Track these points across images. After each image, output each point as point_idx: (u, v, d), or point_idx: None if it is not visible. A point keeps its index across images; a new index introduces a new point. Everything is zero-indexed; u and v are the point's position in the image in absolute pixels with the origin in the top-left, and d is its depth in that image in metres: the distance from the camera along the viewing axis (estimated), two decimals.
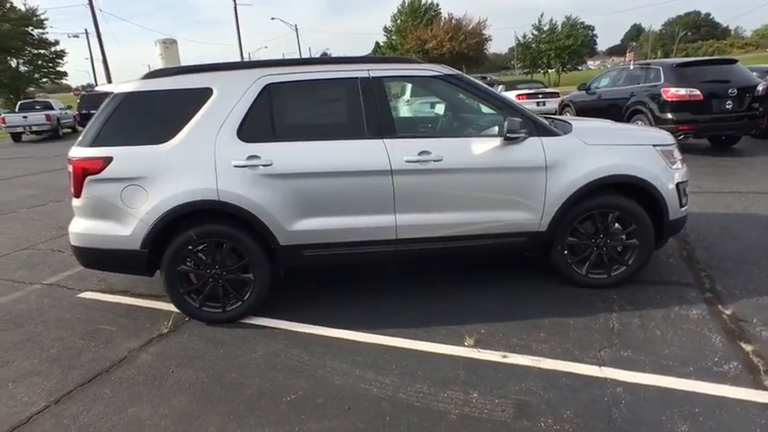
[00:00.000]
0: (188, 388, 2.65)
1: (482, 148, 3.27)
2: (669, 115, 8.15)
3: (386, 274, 4.03)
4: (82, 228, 3.26)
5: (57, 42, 39.97)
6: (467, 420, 2.30)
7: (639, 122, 8.77)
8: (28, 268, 4.61)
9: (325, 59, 3.45)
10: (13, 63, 38.62)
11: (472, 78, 3.58)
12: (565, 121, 3.81)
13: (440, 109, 5.48)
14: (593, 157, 3.33)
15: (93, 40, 30.52)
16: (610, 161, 3.33)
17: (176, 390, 2.63)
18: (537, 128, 3.34)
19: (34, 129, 19.74)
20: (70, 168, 3.18)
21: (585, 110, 10.81)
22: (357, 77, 3.26)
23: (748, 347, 2.76)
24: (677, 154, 3.59)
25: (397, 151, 3.19)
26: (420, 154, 3.19)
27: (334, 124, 3.49)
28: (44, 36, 38.81)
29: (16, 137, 20.33)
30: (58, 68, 40.84)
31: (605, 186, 3.37)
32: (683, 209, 3.58)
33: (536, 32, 54.33)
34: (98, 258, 3.31)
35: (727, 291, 3.44)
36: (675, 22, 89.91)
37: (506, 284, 3.71)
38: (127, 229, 3.15)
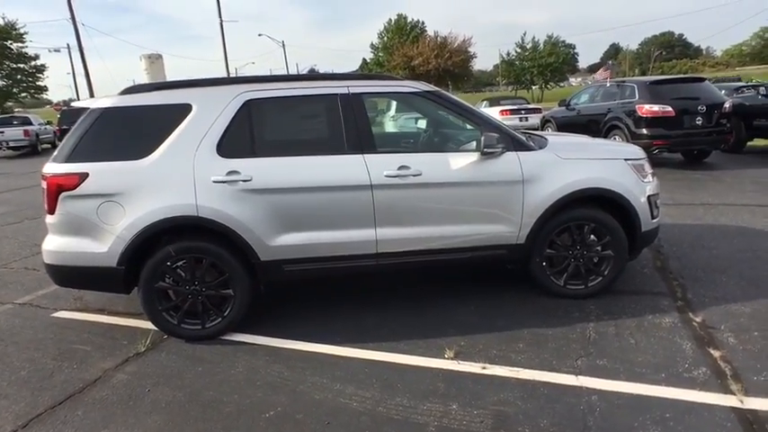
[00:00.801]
0: (164, 407, 2.60)
1: (460, 162, 3.33)
2: (644, 130, 8.41)
3: (369, 288, 4.04)
4: (56, 245, 3.21)
5: (37, 57, 39.48)
6: None
7: (616, 137, 9.03)
8: (0, 287, 4.49)
9: (305, 76, 3.50)
10: None
11: (451, 95, 3.66)
12: (541, 136, 3.92)
13: (421, 124, 5.57)
14: (567, 171, 3.42)
15: (76, 54, 30.25)
16: (583, 175, 3.43)
17: (152, 409, 2.59)
18: (513, 143, 3.42)
19: (11, 144, 19.38)
20: (44, 184, 3.14)
21: (566, 125, 11.08)
22: (337, 94, 3.32)
23: (716, 353, 2.84)
24: (648, 168, 3.71)
25: (377, 166, 3.24)
26: (399, 169, 3.25)
27: (314, 140, 3.53)
28: (24, 50, 38.34)
29: None
30: (38, 83, 40.27)
31: (580, 199, 3.46)
32: (655, 220, 3.69)
33: (519, 50, 55.61)
34: (73, 276, 3.25)
35: (697, 299, 3.54)
36: (651, 41, 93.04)
37: (487, 297, 3.75)
38: (103, 246, 3.11)
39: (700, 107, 8.13)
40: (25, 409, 2.64)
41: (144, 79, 18.37)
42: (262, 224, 3.17)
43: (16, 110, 37.09)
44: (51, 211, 3.16)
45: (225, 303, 3.28)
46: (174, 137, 3.17)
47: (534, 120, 15.42)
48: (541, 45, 53.84)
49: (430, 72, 53.64)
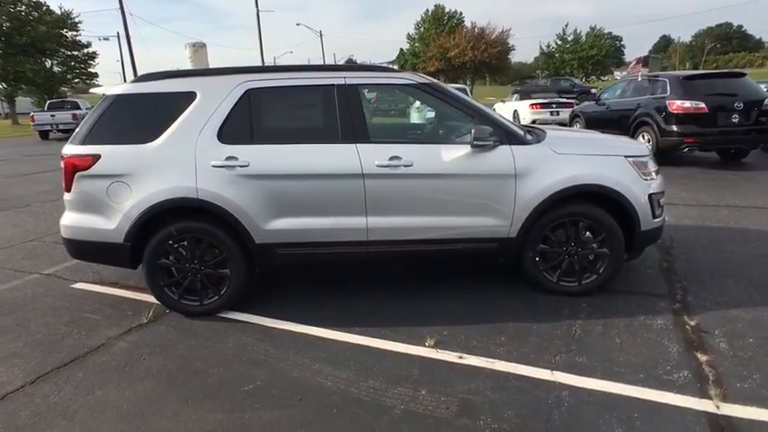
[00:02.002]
0: (155, 374, 2.80)
1: (452, 154, 3.36)
2: (674, 128, 8.07)
3: (366, 277, 4.14)
4: (71, 220, 3.46)
5: (89, 44, 41.53)
6: (410, 415, 2.38)
7: (645, 135, 8.72)
8: (31, 258, 4.87)
9: (304, 66, 3.58)
10: (48, 64, 40.25)
11: (447, 87, 3.67)
12: (541, 131, 3.87)
13: (416, 116, 5.53)
14: (562, 167, 3.38)
15: (125, 43, 31.60)
16: (578, 171, 3.38)
17: (144, 375, 2.79)
18: (508, 136, 3.41)
19: (61, 127, 20.57)
20: (62, 164, 3.39)
21: (594, 121, 10.76)
22: (334, 84, 3.40)
23: (703, 357, 2.77)
24: (651, 165, 3.61)
25: (369, 156, 3.31)
26: (391, 159, 3.30)
27: (309, 129, 3.63)
28: (77, 38, 40.40)
29: (44, 135, 21.23)
30: (89, 70, 42.37)
31: (575, 195, 3.41)
32: (657, 220, 3.59)
33: (560, 42, 53.92)
34: (85, 250, 3.51)
35: (697, 302, 3.44)
36: (706, 33, 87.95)
37: (479, 290, 3.77)
38: (112, 223, 3.34)
39: (737, 104, 7.72)
40: (35, 367, 2.90)
41: (188, 67, 19.00)
42: (257, 208, 3.31)
43: (68, 94, 39.17)
44: (68, 189, 3.41)
45: (222, 282, 3.45)
46: (178, 123, 3.34)
47: (566, 114, 14.98)
48: (584, 37, 51.91)
49: (466, 64, 52.89)
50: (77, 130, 3.47)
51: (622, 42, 62.32)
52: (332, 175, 3.31)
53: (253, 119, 3.40)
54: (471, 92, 54.24)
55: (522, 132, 3.58)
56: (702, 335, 3.02)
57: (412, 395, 2.54)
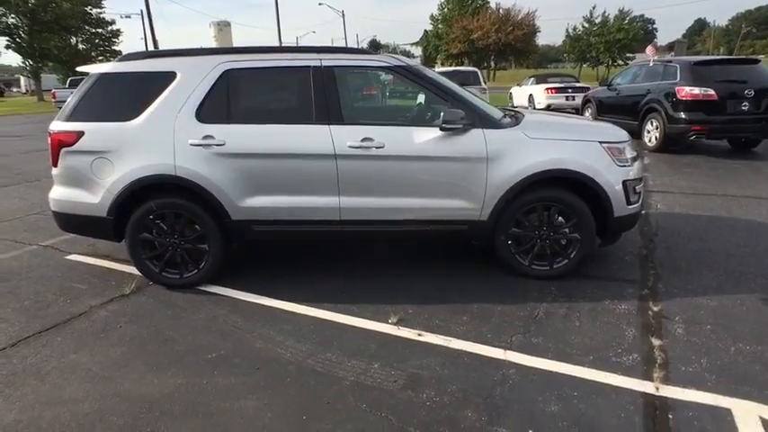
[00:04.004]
0: (128, 341, 2.96)
1: (424, 136, 3.39)
2: (682, 114, 7.88)
3: (341, 255, 4.23)
4: (59, 194, 3.63)
5: (113, 22, 42.20)
6: (357, 387, 2.48)
7: (653, 121, 8.52)
8: (32, 231, 5.11)
9: (282, 48, 3.63)
10: (73, 41, 41.03)
11: (423, 69, 3.68)
12: (519, 114, 3.86)
13: (422, 97, 5.52)
14: (533, 151, 3.38)
15: (147, 20, 31.91)
16: (549, 155, 3.38)
17: (117, 342, 2.95)
18: (481, 120, 3.42)
19: None
20: (49, 140, 3.54)
21: (605, 106, 10.55)
22: (309, 66, 3.45)
23: (657, 342, 2.80)
24: (629, 152, 3.58)
25: (342, 137, 3.37)
26: (363, 140, 3.36)
27: (285, 109, 3.70)
28: (101, 15, 41.00)
29: None
30: (113, 47, 43.07)
31: (546, 180, 3.42)
32: (632, 206, 3.57)
33: (587, 25, 52.18)
34: (71, 222, 3.68)
35: (666, 289, 3.44)
36: (744, 17, 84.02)
37: (452, 272, 3.83)
38: (96, 198, 3.49)
39: (747, 91, 7.47)
40: (18, 332, 3.09)
41: (212, 45, 19.11)
42: (233, 186, 3.42)
43: None
44: (55, 164, 3.57)
45: (201, 257, 3.59)
46: (158, 101, 3.45)
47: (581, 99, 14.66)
48: (612, 19, 50.12)
49: (489, 46, 51.84)
50: (64, 106, 3.61)
51: (654, 26, 60.03)
52: (305, 155, 3.38)
53: (230, 99, 3.48)
54: (492, 77, 52.88)
55: (497, 116, 3.58)
56: (663, 320, 3.04)
57: (364, 368, 2.64)
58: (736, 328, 2.93)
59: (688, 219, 4.94)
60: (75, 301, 3.49)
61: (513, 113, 3.98)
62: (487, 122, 3.43)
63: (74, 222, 3.66)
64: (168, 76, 3.47)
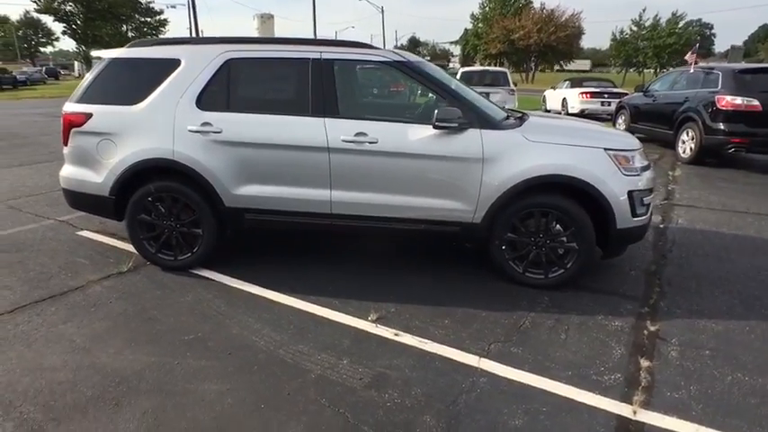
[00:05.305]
0: (114, 317, 3.05)
1: (419, 134, 3.32)
2: (721, 125, 7.43)
3: (333, 249, 4.22)
4: (68, 172, 3.78)
5: (161, 12, 43.88)
6: (321, 381, 2.46)
7: (689, 131, 8.08)
8: (53, 206, 5.35)
9: (284, 39, 3.62)
10: (123, 29, 42.93)
11: (423, 66, 3.60)
12: (523, 115, 3.72)
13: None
14: (532, 155, 3.25)
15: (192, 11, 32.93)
16: (549, 160, 3.24)
17: (104, 316, 3.05)
18: (479, 120, 3.32)
19: None
20: (61, 120, 3.69)
21: (639, 114, 10.09)
22: (309, 58, 3.44)
23: (645, 363, 2.64)
24: (638, 161, 3.38)
25: (336, 130, 3.34)
26: (357, 135, 3.32)
27: (282, 100, 3.70)
28: (151, 5, 42.73)
29: None
30: (160, 36, 44.78)
31: (545, 185, 3.28)
32: (639, 219, 3.38)
33: (635, 28, 50.03)
34: (78, 200, 3.83)
35: (668, 309, 3.25)
36: None
37: (443, 273, 3.75)
38: (99, 177, 3.61)
39: None
40: (18, 299, 3.24)
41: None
42: (227, 173, 3.46)
43: None
44: (65, 143, 3.72)
45: (195, 242, 3.66)
46: (162, 87, 3.52)
47: None
48: (663, 23, 47.81)
49: (530, 47, 50.65)
50: (76, 89, 3.75)
51: (713, 31, 56.61)
52: (298, 147, 3.38)
53: (230, 87, 3.52)
54: (531, 78, 51.40)
55: (498, 117, 3.47)
56: (657, 341, 2.86)
57: (333, 363, 2.62)
58: (738, 356, 2.73)
59: (710, 236, 4.65)
60: (75, 275, 3.63)
61: (519, 115, 3.84)
62: (486, 123, 3.32)
63: (80, 200, 3.81)
64: (173, 64, 3.54)
